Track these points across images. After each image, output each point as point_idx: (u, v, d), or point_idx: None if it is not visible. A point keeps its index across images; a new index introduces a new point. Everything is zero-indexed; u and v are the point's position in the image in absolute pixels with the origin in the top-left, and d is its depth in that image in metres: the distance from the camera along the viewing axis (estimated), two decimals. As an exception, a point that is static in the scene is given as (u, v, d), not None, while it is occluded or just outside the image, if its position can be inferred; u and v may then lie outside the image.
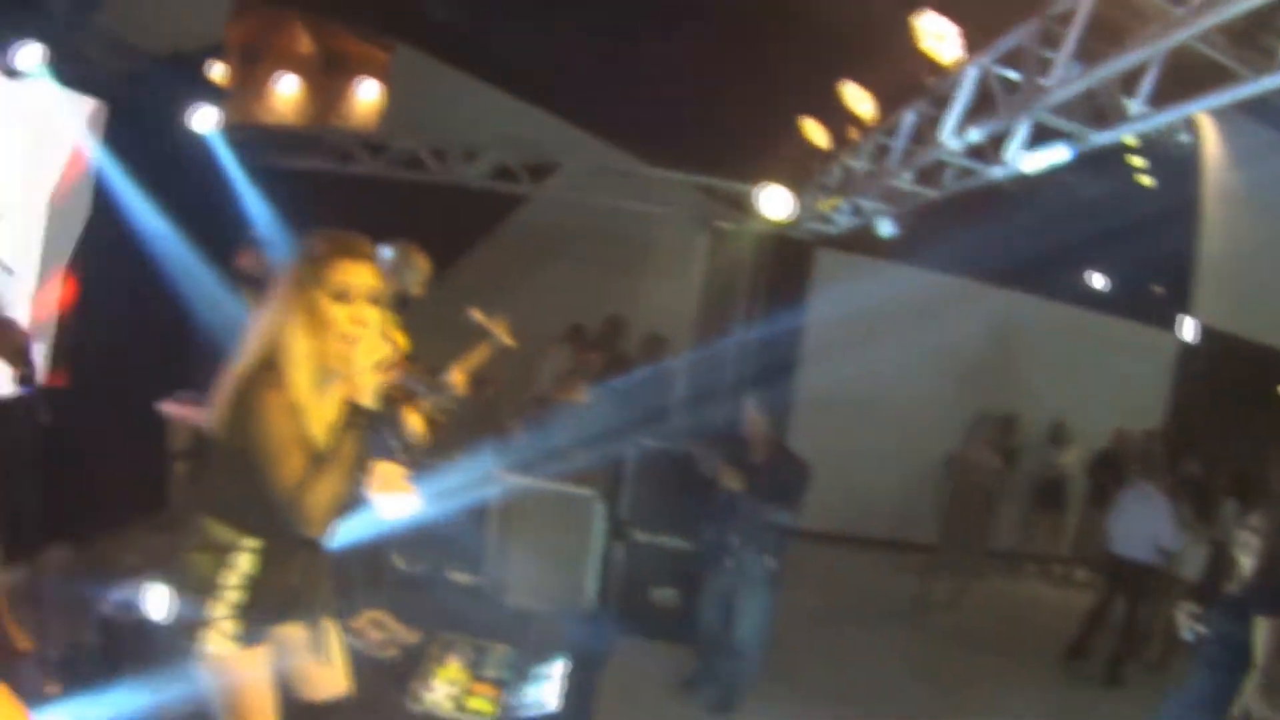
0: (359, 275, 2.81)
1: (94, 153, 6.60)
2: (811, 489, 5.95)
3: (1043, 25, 4.53)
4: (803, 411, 9.24)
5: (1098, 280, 11.78)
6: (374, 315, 2.83)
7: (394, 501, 3.06)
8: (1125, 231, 10.05)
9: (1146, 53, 3.84)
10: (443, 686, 4.99)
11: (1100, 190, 9.12)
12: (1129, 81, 4.29)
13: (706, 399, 8.98)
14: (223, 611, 2.81)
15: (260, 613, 2.85)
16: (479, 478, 6.22)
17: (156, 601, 5.04)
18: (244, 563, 2.82)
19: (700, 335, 9.51)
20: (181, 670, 2.87)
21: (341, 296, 2.79)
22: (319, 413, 2.82)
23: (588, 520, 6.51)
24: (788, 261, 9.43)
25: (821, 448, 8.55)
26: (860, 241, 8.62)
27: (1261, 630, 4.39)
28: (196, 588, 2.82)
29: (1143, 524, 7.69)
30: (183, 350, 6.82)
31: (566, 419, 7.36)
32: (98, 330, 6.78)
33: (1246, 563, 4.83)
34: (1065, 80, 4.35)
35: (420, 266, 5.25)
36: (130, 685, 4.64)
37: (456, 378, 5.34)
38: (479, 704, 4.92)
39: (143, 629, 4.92)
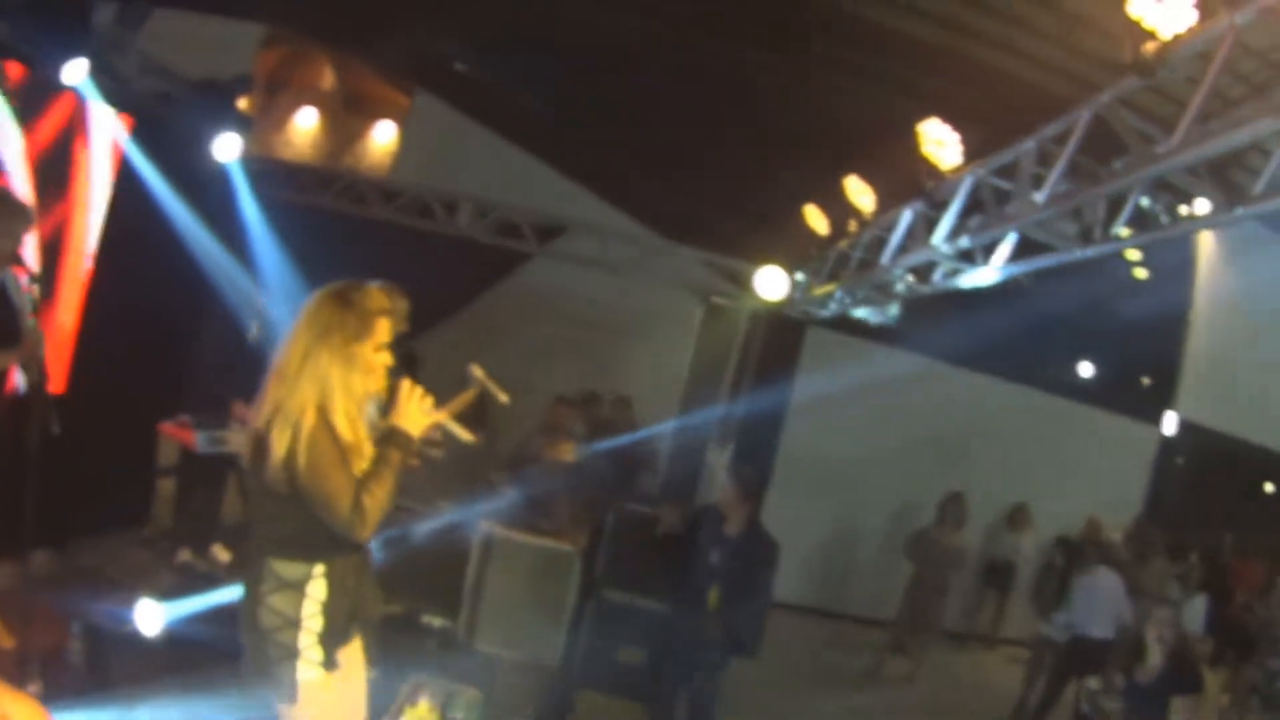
0: (392, 331, 3.15)
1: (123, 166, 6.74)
2: (784, 562, 6.08)
3: (1039, 144, 4.80)
4: (781, 484, 9.37)
5: (1085, 370, 11.97)
6: (388, 358, 3.15)
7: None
8: (1115, 324, 10.21)
9: (1129, 181, 4.08)
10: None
11: (1094, 282, 9.31)
12: (1114, 204, 4.54)
13: (687, 466, 9.13)
14: (308, 641, 2.99)
15: (338, 633, 3.05)
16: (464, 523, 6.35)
17: (148, 617, 5.20)
18: (318, 590, 3.01)
19: (687, 404, 9.65)
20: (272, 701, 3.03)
21: (379, 349, 3.09)
22: (360, 443, 3.06)
23: (565, 575, 6.60)
24: (778, 338, 9.63)
25: (797, 521, 8.69)
26: (852, 322, 8.82)
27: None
28: (282, 625, 2.98)
29: (1104, 603, 7.87)
30: (181, 374, 6.95)
31: (552, 476, 7.48)
32: (105, 344, 6.86)
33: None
34: (1054, 198, 4.60)
35: (400, 308, 5.40)
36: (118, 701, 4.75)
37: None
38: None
39: (130, 642, 5.09)
